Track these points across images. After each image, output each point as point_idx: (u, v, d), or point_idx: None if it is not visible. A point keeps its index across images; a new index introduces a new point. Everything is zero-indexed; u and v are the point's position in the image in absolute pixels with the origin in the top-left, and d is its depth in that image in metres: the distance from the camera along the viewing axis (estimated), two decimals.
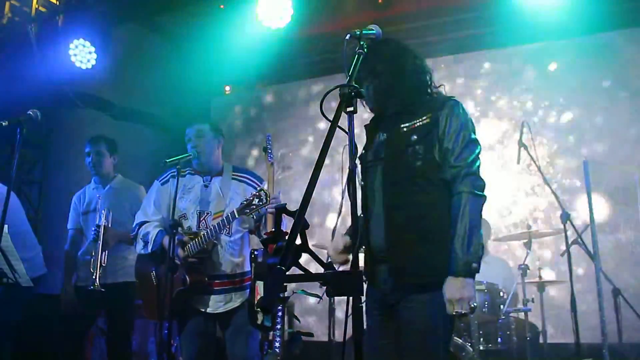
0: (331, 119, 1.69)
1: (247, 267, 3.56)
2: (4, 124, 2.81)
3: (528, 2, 5.02)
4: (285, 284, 1.63)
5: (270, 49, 6.52)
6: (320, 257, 1.70)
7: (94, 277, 3.90)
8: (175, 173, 3.44)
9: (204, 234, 3.31)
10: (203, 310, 3.42)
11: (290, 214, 1.62)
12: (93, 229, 4.05)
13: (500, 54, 6.12)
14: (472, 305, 2.17)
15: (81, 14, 5.50)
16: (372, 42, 2.05)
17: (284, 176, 6.91)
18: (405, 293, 2.30)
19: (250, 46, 6.67)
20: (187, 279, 3.33)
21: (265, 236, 2.31)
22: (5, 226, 2.80)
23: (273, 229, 1.63)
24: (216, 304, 3.43)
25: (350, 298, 1.54)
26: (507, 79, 6.04)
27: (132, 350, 4.54)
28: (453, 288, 2.17)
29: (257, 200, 3.12)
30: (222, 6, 6.33)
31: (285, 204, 1.61)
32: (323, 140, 1.62)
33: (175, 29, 6.97)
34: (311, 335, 4.49)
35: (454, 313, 2.16)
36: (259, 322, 3.25)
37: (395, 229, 2.28)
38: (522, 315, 4.36)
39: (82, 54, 5.34)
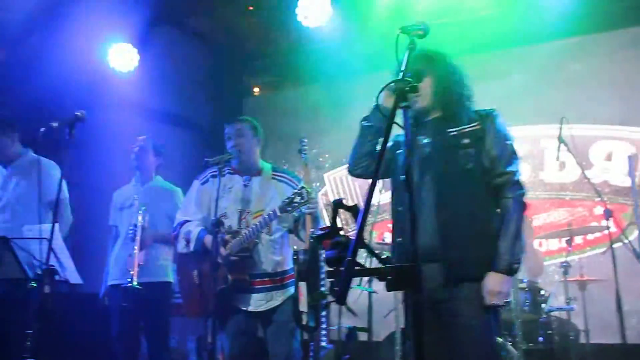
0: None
1: (288, 266, 3.59)
2: (54, 125, 2.86)
3: None
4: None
5: (301, 48, 6.58)
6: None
7: (131, 275, 3.93)
8: (216, 172, 3.47)
9: (245, 233, 3.33)
10: (244, 308, 3.44)
11: (347, 208, 1.62)
12: (130, 228, 4.09)
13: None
14: (507, 301, 2.42)
15: (120, 17, 5.57)
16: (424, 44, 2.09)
17: (317, 175, 6.92)
18: (456, 289, 2.36)
19: (279, 47, 6.75)
20: (229, 277, 3.34)
21: (319, 232, 2.30)
22: (57, 224, 2.85)
23: (329, 225, 1.62)
24: (257, 303, 3.44)
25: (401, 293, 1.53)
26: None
27: (171, 349, 4.59)
28: (495, 282, 2.34)
29: (298, 198, 3.14)
30: (250, 7, 6.39)
31: (343, 198, 1.60)
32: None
33: (207, 30, 7.05)
34: (366, 330, 4.44)
35: (490, 304, 2.32)
36: (304, 322, 3.26)
37: (448, 227, 2.38)
38: (563, 314, 4.30)
39: (122, 57, 5.39)
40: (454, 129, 2.49)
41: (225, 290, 3.35)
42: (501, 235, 2.37)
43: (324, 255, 3.79)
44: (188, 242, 3.49)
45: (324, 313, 3.65)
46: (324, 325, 3.64)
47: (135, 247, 3.96)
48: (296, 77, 7.46)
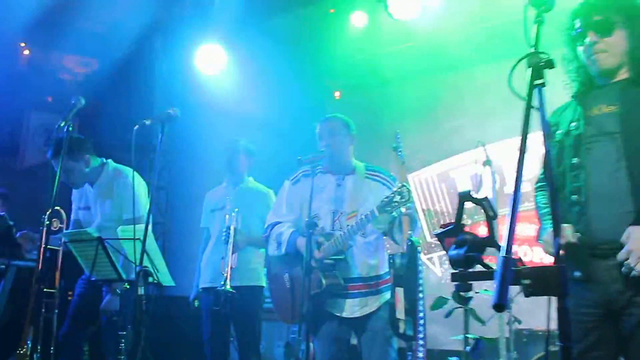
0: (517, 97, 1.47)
1: (383, 270, 3.41)
2: (147, 122, 2.82)
3: None
4: (469, 282, 1.44)
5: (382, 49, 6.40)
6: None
7: (224, 278, 3.85)
8: (308, 172, 3.36)
9: (340, 234, 3.18)
10: (338, 314, 3.29)
11: (476, 201, 1.42)
12: (224, 230, 4.02)
13: None
14: None
15: (204, 22, 5.59)
16: None
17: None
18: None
19: (359, 48, 6.58)
20: (323, 281, 3.20)
21: (440, 230, 2.11)
22: (150, 225, 2.80)
23: (453, 220, 1.42)
24: (351, 309, 3.28)
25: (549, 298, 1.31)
26: None
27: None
28: None
29: (398, 197, 2.96)
30: (332, 10, 6.28)
31: (470, 190, 1.40)
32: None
33: (288, 32, 7.00)
34: (493, 342, 4.13)
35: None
36: (402, 331, 3.08)
37: None
38: None
39: (208, 60, 5.39)
40: None
41: (319, 295, 3.21)
42: None
43: (422, 259, 3.59)
44: (279, 244, 3.38)
45: (422, 322, 3.43)
46: (421, 335, 3.42)
47: (228, 250, 3.89)
48: (378, 79, 7.27)
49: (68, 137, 3.18)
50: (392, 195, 2.98)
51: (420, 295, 3.33)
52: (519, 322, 4.51)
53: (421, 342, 3.47)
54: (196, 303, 4.28)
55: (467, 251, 1.40)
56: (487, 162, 4.49)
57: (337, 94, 7.90)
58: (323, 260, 3.21)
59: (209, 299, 4.14)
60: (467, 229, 1.47)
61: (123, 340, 3.02)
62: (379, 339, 3.28)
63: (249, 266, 4.17)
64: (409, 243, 3.25)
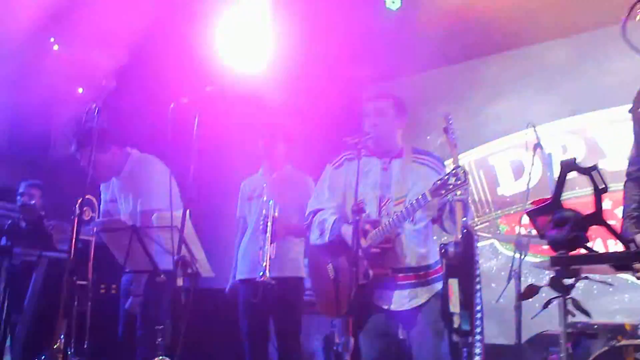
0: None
1: (432, 260, 3.18)
2: (184, 100, 2.64)
3: None
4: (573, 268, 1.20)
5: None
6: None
7: (263, 269, 3.66)
8: (352, 156, 3.15)
9: (389, 221, 2.96)
10: (386, 307, 3.07)
11: (583, 171, 1.18)
12: (262, 219, 3.83)
13: None
14: None
15: None
16: None
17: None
18: None
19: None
20: (370, 272, 2.98)
21: (532, 207, 1.88)
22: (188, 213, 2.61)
23: (550, 197, 1.19)
24: (400, 301, 3.06)
25: None
26: None
27: None
28: None
29: (453, 179, 2.73)
30: None
31: (575, 158, 1.17)
32: None
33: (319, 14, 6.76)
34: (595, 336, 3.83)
35: None
36: (456, 325, 2.85)
37: None
38: None
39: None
40: None
41: (366, 287, 2.99)
42: None
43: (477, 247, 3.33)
44: (322, 232, 3.17)
45: (479, 315, 3.20)
46: (478, 329, 3.19)
47: (267, 240, 3.70)
48: (412, 65, 7.00)
49: (96, 125, 2.99)
50: (447, 177, 2.76)
51: (478, 287, 3.09)
52: (573, 315, 4.26)
53: (478, 337, 3.24)
54: (232, 296, 4.10)
55: (570, 230, 1.16)
56: (539, 145, 4.21)
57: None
58: (370, 249, 2.99)
59: (246, 291, 3.97)
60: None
61: (160, 335, 2.85)
62: (430, 332, 3.06)
63: (289, 256, 3.99)
64: (465, 231, 3.01)
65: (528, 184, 4.15)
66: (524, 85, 6.11)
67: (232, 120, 6.05)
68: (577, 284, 1.91)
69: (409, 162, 3.21)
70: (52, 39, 6.63)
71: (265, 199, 3.89)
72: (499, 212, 5.94)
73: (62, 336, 2.96)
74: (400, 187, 3.13)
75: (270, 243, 3.73)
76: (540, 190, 5.86)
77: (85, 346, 3.09)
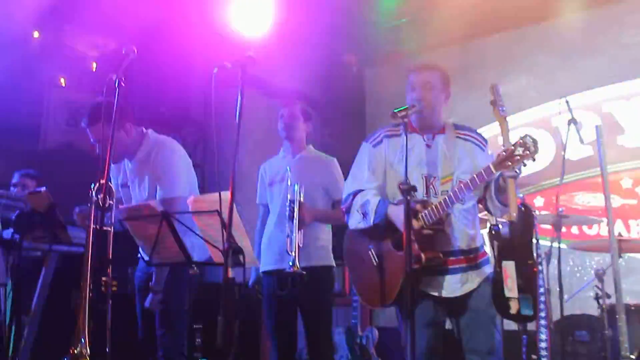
0: None
1: (480, 242, 2.97)
2: (228, 66, 2.35)
3: None
4: None
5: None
6: None
7: (292, 259, 3.37)
8: (390, 133, 2.97)
9: (445, 199, 2.71)
10: (436, 294, 2.83)
11: None
12: (287, 204, 3.54)
13: None
14: None
15: None
16: None
17: None
18: None
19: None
20: (423, 256, 2.72)
21: None
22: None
23: None
24: (452, 286, 2.83)
25: None
26: None
27: None
28: None
29: (520, 149, 2.49)
30: None
31: None
32: None
33: None
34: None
35: None
36: (513, 311, 2.63)
37: None
38: None
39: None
40: None
41: (417, 272, 2.72)
42: None
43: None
44: (366, 214, 2.88)
45: (542, 299, 2.96)
46: (542, 314, 2.95)
47: (295, 227, 3.41)
48: (421, 46, 6.75)
49: (117, 96, 2.67)
50: (513, 147, 2.51)
51: (540, 267, 2.85)
52: (609, 297, 4.09)
53: (543, 322, 3.01)
54: (257, 289, 3.80)
55: None
56: (573, 121, 3.98)
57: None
58: (422, 231, 2.73)
59: (272, 283, 3.68)
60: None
61: (199, 335, 2.55)
62: (483, 319, 2.83)
63: (317, 243, 3.71)
64: (522, 208, 2.77)
65: (563, 160, 3.91)
66: (535, 63, 5.94)
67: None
68: None
69: (452, 138, 2.99)
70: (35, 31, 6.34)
71: (289, 182, 3.61)
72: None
73: (82, 340, 2.63)
74: (448, 165, 2.91)
75: (298, 230, 3.46)
76: (552, 170, 5.72)
77: (107, 350, 2.76)
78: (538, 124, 5.96)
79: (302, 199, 3.53)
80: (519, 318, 2.75)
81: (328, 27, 6.82)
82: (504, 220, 2.96)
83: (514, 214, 2.71)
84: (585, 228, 5.65)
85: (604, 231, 5.49)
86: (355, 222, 2.96)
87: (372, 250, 2.94)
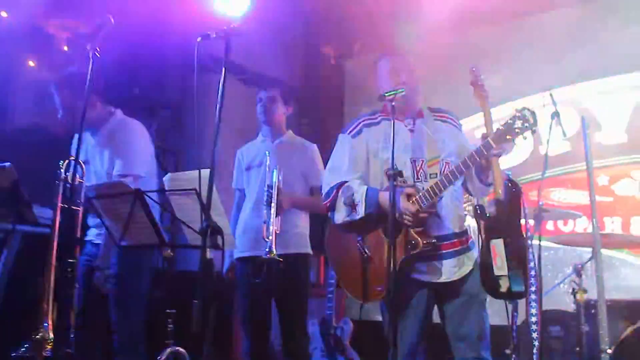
0: None
1: (466, 223, 2.92)
2: (212, 35, 2.23)
3: None
4: None
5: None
6: None
7: (269, 245, 3.25)
8: (369, 121, 2.89)
9: (440, 181, 2.63)
10: (434, 280, 2.73)
11: None
12: (265, 189, 3.41)
13: None
14: None
15: None
16: None
17: None
18: None
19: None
20: (420, 241, 2.63)
21: None
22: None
23: None
24: (449, 271, 2.74)
25: None
26: None
27: None
28: None
29: (519, 122, 2.49)
30: None
31: None
32: None
33: None
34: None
35: None
36: (504, 289, 2.54)
37: None
38: None
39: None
40: None
41: (412, 259, 2.66)
42: None
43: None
44: (355, 206, 2.74)
45: (532, 273, 2.89)
46: (532, 288, 2.87)
47: (272, 212, 3.29)
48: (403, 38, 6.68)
49: (91, 69, 2.52)
50: (512, 120, 2.50)
51: (528, 242, 2.78)
52: (585, 291, 4.07)
53: (533, 296, 2.93)
54: (230, 276, 3.67)
55: None
56: (557, 114, 3.91)
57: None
58: (418, 215, 2.62)
59: (246, 270, 3.56)
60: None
61: (170, 321, 2.42)
62: (476, 303, 2.76)
63: (295, 230, 3.60)
64: (508, 184, 2.69)
65: (546, 154, 3.86)
66: (520, 55, 5.91)
67: (213, 89, 5.61)
68: None
69: (432, 120, 2.93)
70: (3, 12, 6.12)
71: (267, 167, 3.49)
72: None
73: (45, 324, 2.48)
74: (433, 148, 2.84)
75: (276, 216, 3.34)
76: (530, 165, 5.69)
77: (72, 336, 2.61)
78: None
79: (280, 185, 3.42)
80: (510, 295, 2.65)
81: (308, 14, 6.75)
82: (486, 199, 2.91)
83: (499, 191, 2.66)
84: (560, 224, 5.65)
85: (578, 228, 5.50)
86: (342, 216, 2.80)
87: (361, 242, 2.81)
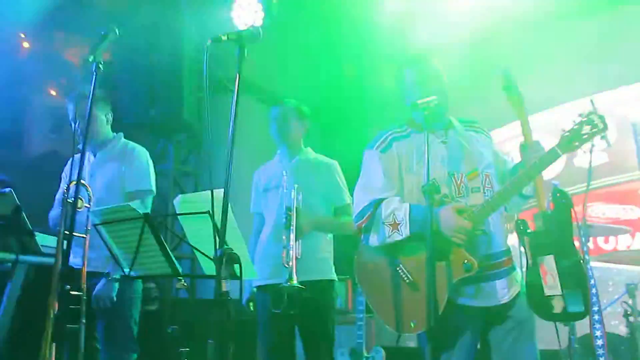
0: None
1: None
2: (223, 37, 2.03)
3: None
4: None
5: None
6: None
7: (290, 272, 3.01)
8: (399, 134, 2.65)
9: (498, 194, 2.44)
10: (484, 305, 2.47)
11: None
12: (284, 212, 3.18)
13: None
14: None
15: None
16: None
17: None
18: None
19: None
20: (474, 261, 2.38)
21: None
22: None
23: None
24: (500, 293, 2.49)
25: None
26: None
27: None
28: None
29: (588, 127, 2.32)
30: None
31: None
32: None
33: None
34: None
35: None
36: (557, 310, 2.33)
37: None
38: None
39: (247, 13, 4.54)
40: None
41: (463, 282, 2.42)
42: None
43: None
44: (396, 225, 2.48)
45: (594, 290, 2.60)
46: (595, 308, 2.58)
47: (291, 236, 3.06)
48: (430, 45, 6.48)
49: (96, 76, 2.36)
50: (578, 127, 2.32)
51: (586, 257, 2.50)
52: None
53: (596, 316, 2.63)
54: (251, 306, 3.43)
55: None
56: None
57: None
58: (474, 232, 2.39)
59: (266, 299, 3.31)
60: None
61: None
62: (525, 330, 2.51)
63: (317, 255, 3.34)
64: (558, 195, 2.46)
65: (590, 165, 3.58)
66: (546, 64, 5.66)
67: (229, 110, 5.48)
68: None
69: (463, 131, 2.70)
70: (22, 35, 6.18)
71: (285, 188, 3.27)
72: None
73: None
74: (470, 160, 2.60)
75: (296, 240, 3.11)
76: (564, 179, 5.40)
77: None
78: (544, 128, 5.65)
79: (299, 206, 3.18)
80: (566, 317, 2.40)
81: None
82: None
83: (544, 204, 2.47)
84: (600, 241, 5.32)
85: (621, 245, 5.18)
86: (383, 237, 2.52)
87: (402, 266, 2.53)
